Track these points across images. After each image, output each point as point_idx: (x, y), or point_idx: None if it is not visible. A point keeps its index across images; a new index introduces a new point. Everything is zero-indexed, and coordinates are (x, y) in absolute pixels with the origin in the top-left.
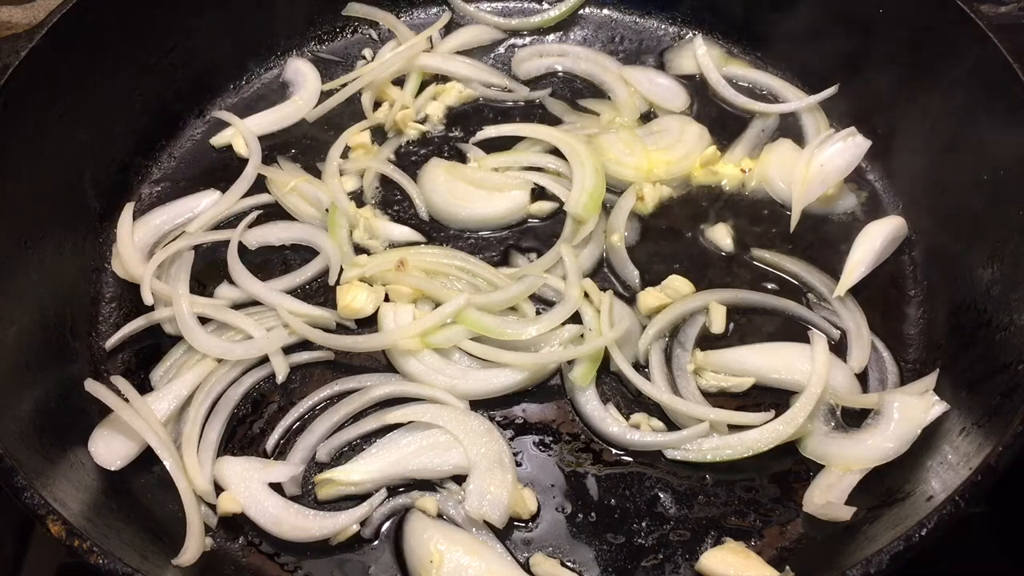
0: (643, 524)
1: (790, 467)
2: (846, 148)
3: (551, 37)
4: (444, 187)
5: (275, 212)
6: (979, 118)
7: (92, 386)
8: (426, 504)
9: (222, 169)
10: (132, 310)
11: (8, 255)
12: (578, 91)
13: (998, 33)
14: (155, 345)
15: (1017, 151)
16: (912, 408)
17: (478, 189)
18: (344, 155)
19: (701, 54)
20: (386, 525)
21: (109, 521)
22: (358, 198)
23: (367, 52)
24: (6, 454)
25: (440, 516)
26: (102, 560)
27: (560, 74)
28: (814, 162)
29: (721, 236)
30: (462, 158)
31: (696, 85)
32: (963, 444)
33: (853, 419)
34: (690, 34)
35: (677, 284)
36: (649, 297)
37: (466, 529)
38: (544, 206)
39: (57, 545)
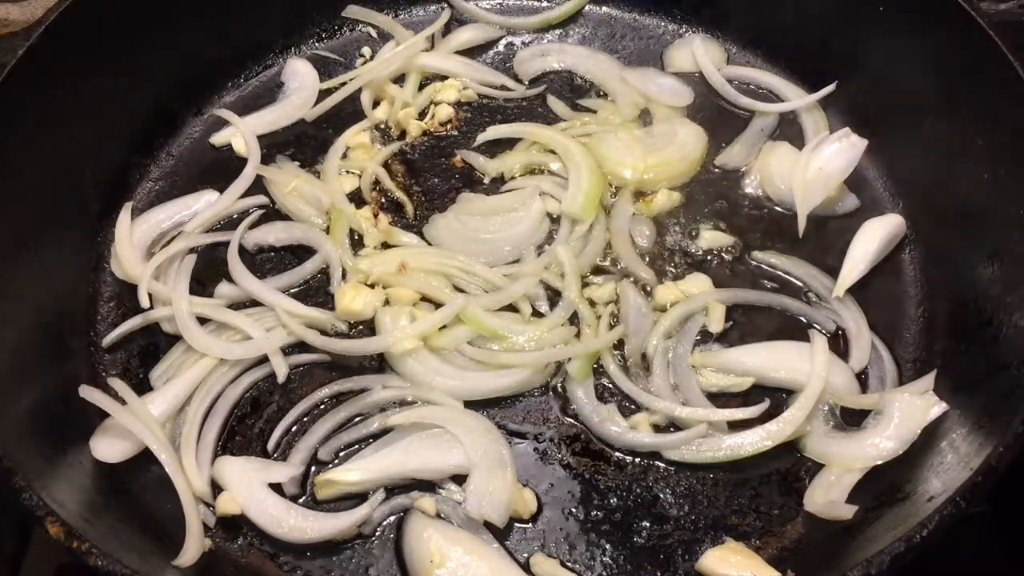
0: (643, 524)
1: (790, 467)
2: (843, 149)
3: (551, 36)
4: (457, 233)
5: (273, 212)
6: (979, 116)
7: (87, 391)
8: (425, 504)
9: (221, 168)
10: (131, 309)
11: (7, 254)
12: (579, 90)
13: (998, 31)
14: (154, 344)
15: (1018, 149)
16: (912, 408)
17: (492, 216)
18: (343, 155)
19: (700, 52)
20: (386, 524)
21: (108, 522)
22: (358, 198)
23: (366, 50)
24: (5, 455)
25: (439, 516)
26: (101, 561)
27: (561, 73)
28: (812, 165)
29: (721, 236)
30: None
31: (695, 83)
32: (963, 444)
33: (853, 419)
34: (689, 32)
35: (695, 281)
36: (667, 291)
37: (466, 529)
38: (549, 204)
39: (56, 545)
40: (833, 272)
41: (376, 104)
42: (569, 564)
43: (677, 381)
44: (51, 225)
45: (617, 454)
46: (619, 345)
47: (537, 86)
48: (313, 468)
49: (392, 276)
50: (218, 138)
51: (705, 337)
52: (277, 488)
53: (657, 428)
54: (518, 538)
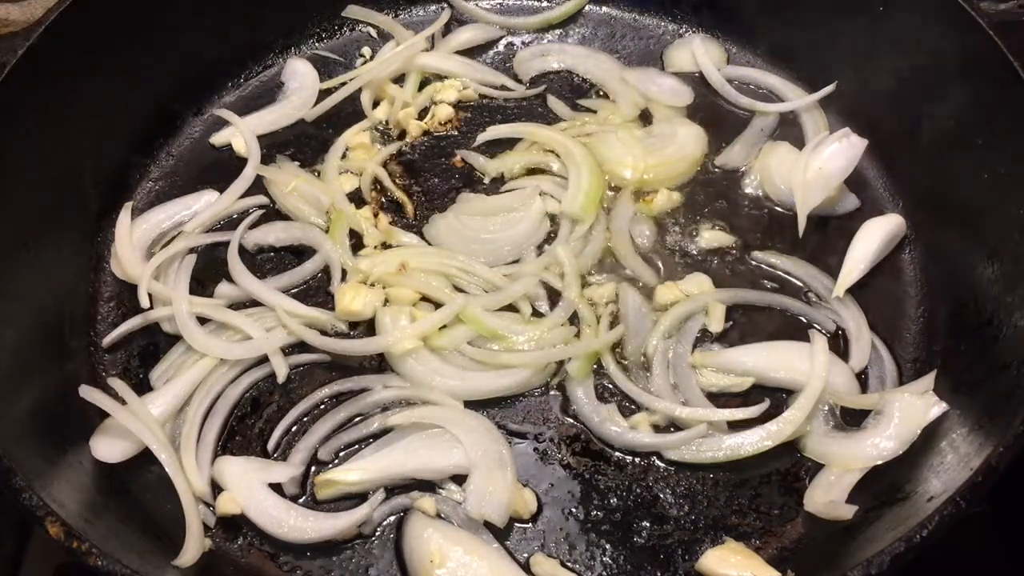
0: (643, 524)
1: (790, 467)
2: (843, 149)
3: (551, 36)
4: (457, 233)
5: (273, 212)
6: (979, 116)
7: (87, 391)
8: (425, 504)
9: (221, 168)
10: (131, 309)
11: (7, 254)
12: (579, 90)
13: (998, 31)
14: (154, 344)
15: (1017, 149)
16: (912, 408)
17: (492, 216)
18: (343, 155)
19: (700, 52)
20: (386, 524)
21: (108, 522)
22: (358, 198)
23: (366, 50)
24: (4, 455)
25: (439, 516)
26: (101, 561)
27: (561, 73)
28: (812, 165)
29: (721, 236)
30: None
31: (695, 83)
32: (963, 444)
33: (853, 419)
34: (689, 32)
35: (695, 281)
36: (667, 291)
37: (466, 529)
38: (549, 204)
39: (56, 545)
40: (833, 272)
41: (376, 104)
42: (569, 564)
43: (677, 381)
44: (51, 225)
45: (617, 454)
46: (619, 345)
47: (537, 86)
48: (313, 468)
49: (392, 276)
50: (218, 138)
51: (705, 337)
52: (277, 488)
53: (657, 428)
54: (518, 538)
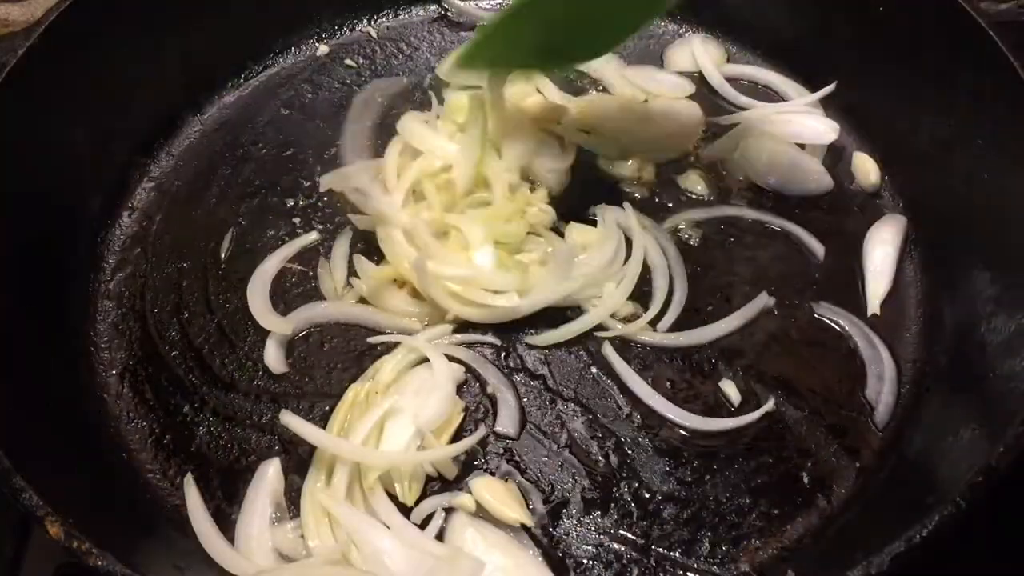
0: (643, 524)
1: (790, 467)
2: (815, 125)
3: None
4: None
5: None
6: (979, 116)
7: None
8: (464, 502)
9: (221, 167)
10: (130, 309)
11: (8, 255)
12: (579, 90)
13: (998, 31)
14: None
15: (1017, 149)
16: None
17: None
18: None
19: (700, 52)
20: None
21: (108, 522)
22: None
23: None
24: (5, 455)
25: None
26: (100, 561)
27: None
28: (791, 147)
29: (694, 182)
30: None
31: (695, 83)
32: (963, 444)
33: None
34: (689, 32)
35: None
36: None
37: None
38: None
39: (56, 546)
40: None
41: None
42: (569, 562)
43: None
44: (52, 225)
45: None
46: None
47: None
48: None
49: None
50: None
51: None
52: None
53: None
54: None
